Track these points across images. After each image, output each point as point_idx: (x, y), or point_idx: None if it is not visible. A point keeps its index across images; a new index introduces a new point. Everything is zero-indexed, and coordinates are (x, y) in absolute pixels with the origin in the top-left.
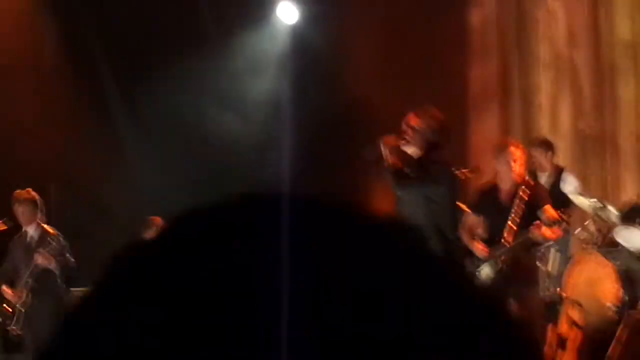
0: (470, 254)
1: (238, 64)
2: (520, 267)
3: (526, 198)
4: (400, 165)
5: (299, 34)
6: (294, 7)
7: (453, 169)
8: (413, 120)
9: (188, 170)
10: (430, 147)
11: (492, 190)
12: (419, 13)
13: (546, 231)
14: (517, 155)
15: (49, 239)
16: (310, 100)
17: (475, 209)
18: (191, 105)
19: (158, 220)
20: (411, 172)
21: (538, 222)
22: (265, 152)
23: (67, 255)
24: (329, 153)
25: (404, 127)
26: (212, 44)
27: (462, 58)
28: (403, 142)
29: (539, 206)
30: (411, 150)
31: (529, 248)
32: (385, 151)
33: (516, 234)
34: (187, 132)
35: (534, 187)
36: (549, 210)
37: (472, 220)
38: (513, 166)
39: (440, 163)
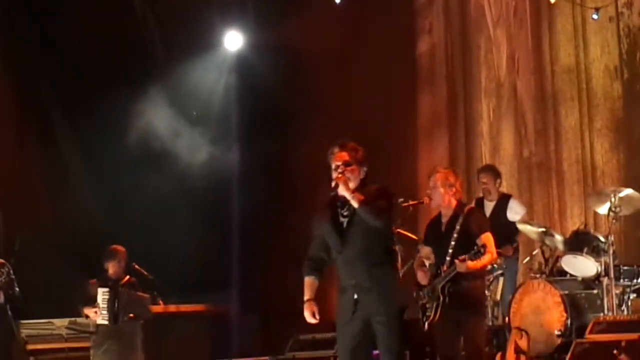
0: (420, 286)
1: (185, 89)
2: (465, 297)
3: (461, 227)
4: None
5: (244, 61)
6: (240, 36)
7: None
8: (343, 156)
9: (134, 196)
10: (365, 177)
11: (436, 220)
12: (367, 42)
13: (473, 264)
14: (449, 182)
15: None
16: (255, 125)
17: (425, 240)
18: (137, 130)
19: (121, 250)
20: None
21: (463, 256)
22: (214, 178)
23: (15, 287)
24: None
25: (337, 165)
26: (159, 70)
27: (411, 85)
28: (344, 179)
29: (476, 235)
30: (352, 184)
31: (470, 278)
32: (344, 188)
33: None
34: (133, 158)
35: (471, 214)
36: (483, 239)
37: (424, 252)
38: (444, 193)
39: (383, 192)
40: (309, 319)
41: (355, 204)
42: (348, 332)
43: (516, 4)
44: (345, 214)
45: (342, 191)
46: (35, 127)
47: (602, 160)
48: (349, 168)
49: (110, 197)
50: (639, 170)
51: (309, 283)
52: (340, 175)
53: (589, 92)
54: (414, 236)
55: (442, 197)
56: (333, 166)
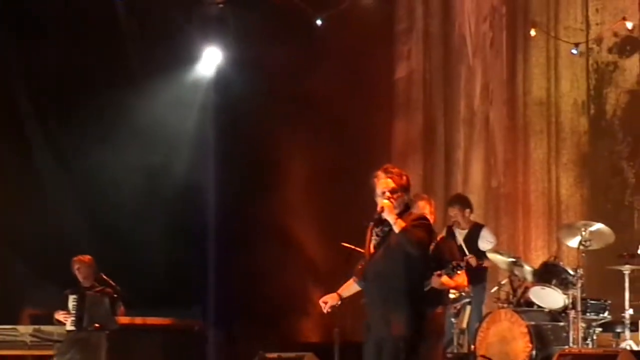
0: None
1: (161, 104)
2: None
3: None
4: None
5: (223, 77)
6: (219, 52)
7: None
8: (389, 183)
9: (106, 207)
10: (407, 206)
11: None
12: (345, 63)
13: (447, 280)
14: (430, 209)
15: None
16: (231, 140)
17: None
18: (112, 142)
19: (83, 259)
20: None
21: (440, 271)
22: (188, 192)
23: None
24: (253, 193)
25: (382, 191)
26: (137, 83)
27: (387, 110)
28: (390, 206)
29: (449, 261)
30: (396, 210)
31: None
32: (388, 212)
33: None
34: (107, 169)
35: (444, 244)
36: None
37: None
38: None
39: (422, 223)
40: (322, 303)
41: (396, 229)
42: (365, 352)
43: (493, 35)
44: (378, 234)
45: (386, 215)
46: (10, 133)
47: (566, 194)
48: (395, 195)
49: (82, 207)
50: (601, 205)
51: (347, 282)
52: (387, 201)
53: (558, 125)
54: (360, 249)
55: None
56: (378, 191)
